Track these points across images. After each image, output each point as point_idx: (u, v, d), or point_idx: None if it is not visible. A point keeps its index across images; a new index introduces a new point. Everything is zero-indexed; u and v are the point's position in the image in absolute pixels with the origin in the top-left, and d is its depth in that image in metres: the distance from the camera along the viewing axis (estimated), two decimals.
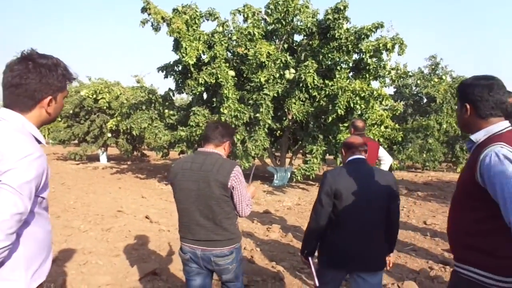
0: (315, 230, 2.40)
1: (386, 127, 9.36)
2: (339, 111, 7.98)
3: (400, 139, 9.36)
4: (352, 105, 7.97)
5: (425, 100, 16.87)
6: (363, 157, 2.42)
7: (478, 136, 1.62)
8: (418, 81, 16.12)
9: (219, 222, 2.26)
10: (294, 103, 9.06)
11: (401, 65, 10.06)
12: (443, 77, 15.19)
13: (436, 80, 15.18)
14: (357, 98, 7.89)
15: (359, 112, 8.65)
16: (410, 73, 10.31)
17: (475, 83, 1.63)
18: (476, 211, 1.60)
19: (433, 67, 15.64)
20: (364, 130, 4.89)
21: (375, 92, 7.77)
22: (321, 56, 8.96)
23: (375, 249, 2.35)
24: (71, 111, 15.24)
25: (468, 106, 1.64)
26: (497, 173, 1.43)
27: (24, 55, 1.40)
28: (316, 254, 2.53)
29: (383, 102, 8.18)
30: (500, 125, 1.59)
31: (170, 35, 8.95)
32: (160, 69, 10.59)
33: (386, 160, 4.87)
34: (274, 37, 10.44)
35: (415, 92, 16.48)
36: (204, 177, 2.24)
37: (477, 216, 1.60)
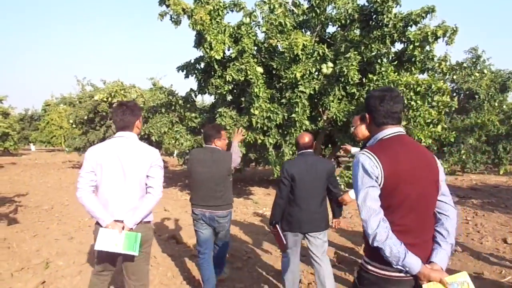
0: (280, 204, 3.13)
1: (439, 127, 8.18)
2: None
3: (452, 139, 8.18)
4: (405, 101, 6.87)
5: (461, 96, 15.59)
6: (310, 150, 3.24)
7: (369, 143, 1.79)
8: (454, 76, 14.85)
9: (222, 193, 3.36)
10: (333, 101, 8.01)
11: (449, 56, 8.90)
12: (485, 71, 13.88)
13: (477, 74, 13.89)
14: (412, 93, 6.80)
15: (414, 109, 7.46)
16: (464, 65, 9.08)
17: (371, 95, 1.79)
18: None
19: (473, 60, 14.30)
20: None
21: (433, 86, 6.66)
22: (362, 47, 7.87)
23: (321, 215, 3.16)
24: (85, 117, 14.51)
25: (367, 116, 1.79)
26: (353, 176, 1.72)
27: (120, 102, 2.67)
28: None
29: (443, 97, 7.01)
30: (386, 131, 1.73)
31: (193, 28, 8.01)
32: (180, 68, 9.68)
33: None
34: (305, 28, 9.43)
35: (452, 88, 15.20)
36: (216, 163, 3.35)
37: None
